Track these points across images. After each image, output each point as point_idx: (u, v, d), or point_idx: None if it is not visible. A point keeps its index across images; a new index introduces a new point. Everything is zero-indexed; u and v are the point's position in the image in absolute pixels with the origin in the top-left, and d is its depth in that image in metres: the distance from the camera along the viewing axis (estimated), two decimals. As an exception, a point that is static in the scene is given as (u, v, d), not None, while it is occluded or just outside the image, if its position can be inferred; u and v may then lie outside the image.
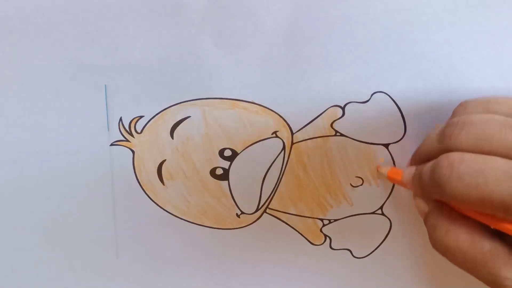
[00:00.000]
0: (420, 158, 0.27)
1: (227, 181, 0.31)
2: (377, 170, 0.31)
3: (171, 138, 0.30)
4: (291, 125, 0.30)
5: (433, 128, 0.27)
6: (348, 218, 0.32)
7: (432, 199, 0.25)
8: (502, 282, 0.22)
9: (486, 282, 0.22)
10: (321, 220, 0.32)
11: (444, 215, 0.24)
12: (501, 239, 0.22)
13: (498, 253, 0.22)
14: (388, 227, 0.32)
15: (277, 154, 0.30)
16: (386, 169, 0.30)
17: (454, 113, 0.26)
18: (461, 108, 0.26)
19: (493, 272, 0.22)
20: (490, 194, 0.20)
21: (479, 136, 0.22)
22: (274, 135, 0.30)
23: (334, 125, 0.30)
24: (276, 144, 0.30)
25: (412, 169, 0.26)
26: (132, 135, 0.30)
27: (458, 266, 0.23)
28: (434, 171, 0.23)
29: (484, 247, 0.22)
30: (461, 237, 0.23)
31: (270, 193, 0.31)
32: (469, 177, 0.21)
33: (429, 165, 0.24)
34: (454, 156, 0.22)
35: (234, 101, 0.29)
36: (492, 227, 0.22)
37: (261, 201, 0.31)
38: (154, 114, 0.30)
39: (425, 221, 0.25)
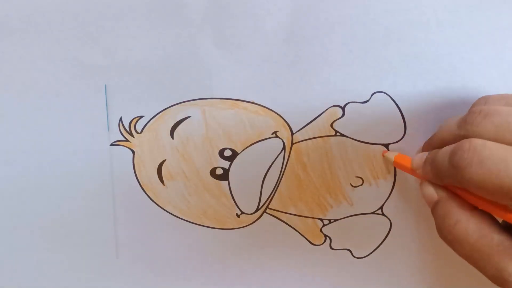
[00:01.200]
0: (435, 144, 0.26)
1: (227, 181, 0.31)
2: (383, 156, 0.30)
3: (171, 138, 0.30)
4: (291, 125, 0.30)
5: (449, 118, 0.27)
6: (348, 218, 0.32)
7: (443, 186, 0.25)
8: (506, 277, 0.21)
9: (490, 276, 0.22)
10: (321, 220, 0.32)
11: (455, 205, 0.23)
12: (510, 234, 0.22)
13: (506, 248, 0.22)
14: (388, 227, 0.32)
15: (277, 154, 0.30)
16: (393, 154, 0.29)
17: (475, 105, 0.26)
18: (482, 101, 0.26)
19: (499, 266, 0.21)
20: (510, 182, 0.20)
21: (503, 126, 0.22)
22: (274, 135, 0.30)
23: (334, 125, 0.30)
24: (276, 144, 0.30)
25: (424, 154, 0.26)
26: (132, 135, 0.30)
27: (464, 258, 0.23)
28: (455, 154, 0.22)
29: (493, 241, 0.22)
30: (471, 229, 0.22)
31: (270, 193, 0.31)
32: (491, 163, 0.21)
33: (447, 148, 0.23)
34: (477, 141, 0.22)
35: (234, 101, 0.29)
36: (503, 219, 0.22)
37: (261, 201, 0.31)
38: (154, 114, 0.30)
39: (433, 210, 0.25)
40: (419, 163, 0.26)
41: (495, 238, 0.22)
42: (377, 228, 0.32)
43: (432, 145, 0.27)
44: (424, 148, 0.28)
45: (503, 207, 0.22)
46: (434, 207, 0.25)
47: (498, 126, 0.22)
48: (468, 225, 0.23)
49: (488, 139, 0.22)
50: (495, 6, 0.28)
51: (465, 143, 0.22)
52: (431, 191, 0.25)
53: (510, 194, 0.20)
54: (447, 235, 0.23)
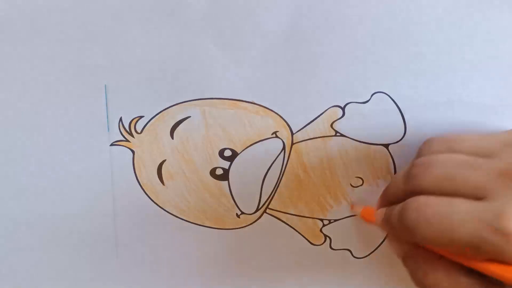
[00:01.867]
0: (389, 199, 0.27)
1: (227, 181, 0.31)
2: (351, 209, 0.31)
3: (171, 138, 0.30)
4: (291, 125, 0.30)
5: (398, 172, 0.27)
6: (348, 218, 0.32)
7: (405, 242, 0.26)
8: None
9: None
10: (321, 220, 0.32)
11: (420, 258, 0.25)
12: (478, 274, 0.23)
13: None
14: (388, 227, 0.32)
15: (277, 154, 0.30)
16: (359, 208, 0.30)
17: (419, 152, 0.27)
18: (426, 146, 0.26)
19: None
20: (458, 236, 0.21)
21: (443, 177, 0.23)
22: (274, 135, 0.30)
23: (334, 125, 0.30)
24: (276, 144, 0.30)
25: (383, 211, 0.27)
26: (132, 135, 0.30)
27: None
28: (403, 216, 0.23)
29: (461, 283, 0.23)
30: (439, 277, 0.23)
31: (270, 193, 0.31)
32: (435, 221, 0.22)
33: (397, 209, 0.24)
34: (420, 199, 0.23)
35: (234, 101, 0.29)
36: (465, 265, 0.23)
37: (261, 201, 0.31)
38: (154, 114, 0.30)
39: (404, 264, 0.26)
40: (379, 221, 0.27)
41: (464, 281, 0.23)
42: (377, 228, 0.32)
43: (386, 199, 0.28)
44: (380, 203, 0.29)
45: (462, 254, 0.22)
46: (403, 262, 0.26)
47: (438, 178, 0.23)
48: (437, 275, 0.23)
49: (433, 192, 0.23)
50: (495, 6, 0.28)
51: (410, 203, 0.23)
52: (397, 246, 0.27)
53: (460, 246, 0.21)
54: (421, 285, 0.24)
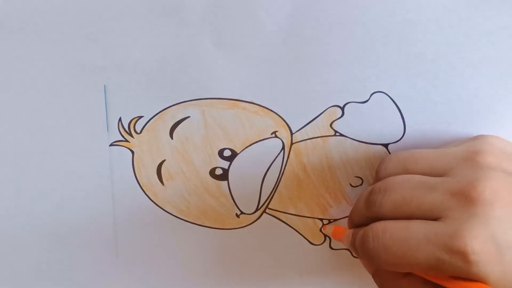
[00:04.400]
0: (355, 223, 0.28)
1: (226, 181, 0.31)
2: (323, 229, 0.32)
3: (170, 138, 0.30)
4: (290, 125, 0.30)
5: (361, 193, 0.28)
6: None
7: None
8: None
9: None
10: (321, 220, 0.32)
11: (389, 278, 0.25)
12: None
13: None
14: (388, 227, 0.32)
15: (276, 154, 0.30)
16: (330, 229, 0.31)
17: (377, 173, 0.27)
18: (382, 168, 0.27)
19: None
20: (416, 259, 0.22)
21: (399, 202, 0.24)
22: (273, 135, 0.30)
23: (333, 125, 0.30)
24: (276, 144, 0.30)
25: (349, 233, 0.27)
26: (131, 135, 0.30)
27: None
28: (363, 245, 0.24)
29: None
30: None
31: (269, 193, 0.31)
32: (394, 247, 0.22)
33: (359, 236, 0.25)
34: (378, 227, 0.23)
35: (233, 101, 0.29)
36: (432, 280, 0.23)
37: (260, 201, 0.31)
38: (154, 114, 0.30)
39: (374, 279, 0.27)
40: (347, 244, 0.28)
41: None
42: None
43: (353, 222, 0.28)
44: (349, 224, 0.29)
45: (425, 274, 0.23)
46: (372, 276, 0.27)
47: (395, 203, 0.24)
48: None
49: (391, 216, 0.24)
50: (495, 6, 0.28)
51: (369, 232, 0.24)
52: (366, 264, 0.28)
53: (420, 268, 0.22)
54: None
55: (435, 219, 0.22)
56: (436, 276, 0.22)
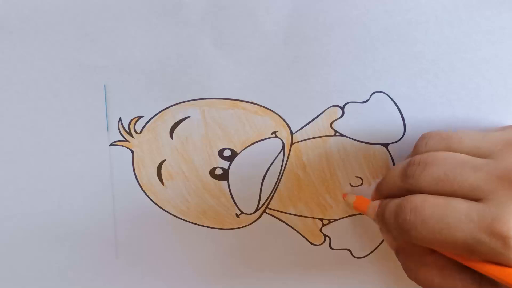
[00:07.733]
0: (383, 193, 0.27)
1: (226, 181, 0.31)
2: (343, 198, 0.31)
3: (170, 138, 0.30)
4: (290, 125, 0.30)
5: (395, 166, 0.27)
6: (348, 217, 0.32)
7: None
8: None
9: None
10: (321, 220, 0.32)
11: (414, 252, 0.25)
12: (472, 270, 0.23)
13: (467, 284, 0.22)
14: (388, 227, 0.32)
15: (276, 154, 0.30)
16: (352, 198, 0.30)
17: (416, 148, 0.27)
18: (422, 143, 0.26)
19: None
20: (454, 237, 0.21)
21: (441, 177, 0.23)
22: (273, 135, 0.30)
23: (333, 125, 0.30)
24: (276, 144, 0.30)
25: (376, 204, 0.26)
26: (131, 135, 0.30)
27: None
28: (398, 216, 0.23)
29: (454, 279, 0.23)
30: (432, 272, 0.24)
31: (269, 193, 0.31)
32: (432, 221, 0.22)
33: (392, 207, 0.24)
34: (417, 199, 0.23)
35: (233, 101, 0.29)
36: (459, 261, 0.23)
37: (260, 201, 0.31)
38: (154, 114, 0.30)
39: (397, 256, 0.26)
40: (372, 214, 0.27)
41: (457, 277, 0.23)
42: (377, 228, 0.32)
43: (381, 192, 0.28)
44: (375, 195, 0.28)
45: (457, 254, 0.22)
46: (396, 253, 0.26)
47: (436, 179, 0.23)
48: (430, 270, 0.24)
49: (429, 191, 0.23)
50: (495, 6, 0.28)
51: (406, 203, 0.23)
52: (390, 239, 0.27)
53: (455, 247, 0.22)
54: (414, 279, 0.25)
55: (476, 200, 0.22)
56: (468, 258, 0.22)
